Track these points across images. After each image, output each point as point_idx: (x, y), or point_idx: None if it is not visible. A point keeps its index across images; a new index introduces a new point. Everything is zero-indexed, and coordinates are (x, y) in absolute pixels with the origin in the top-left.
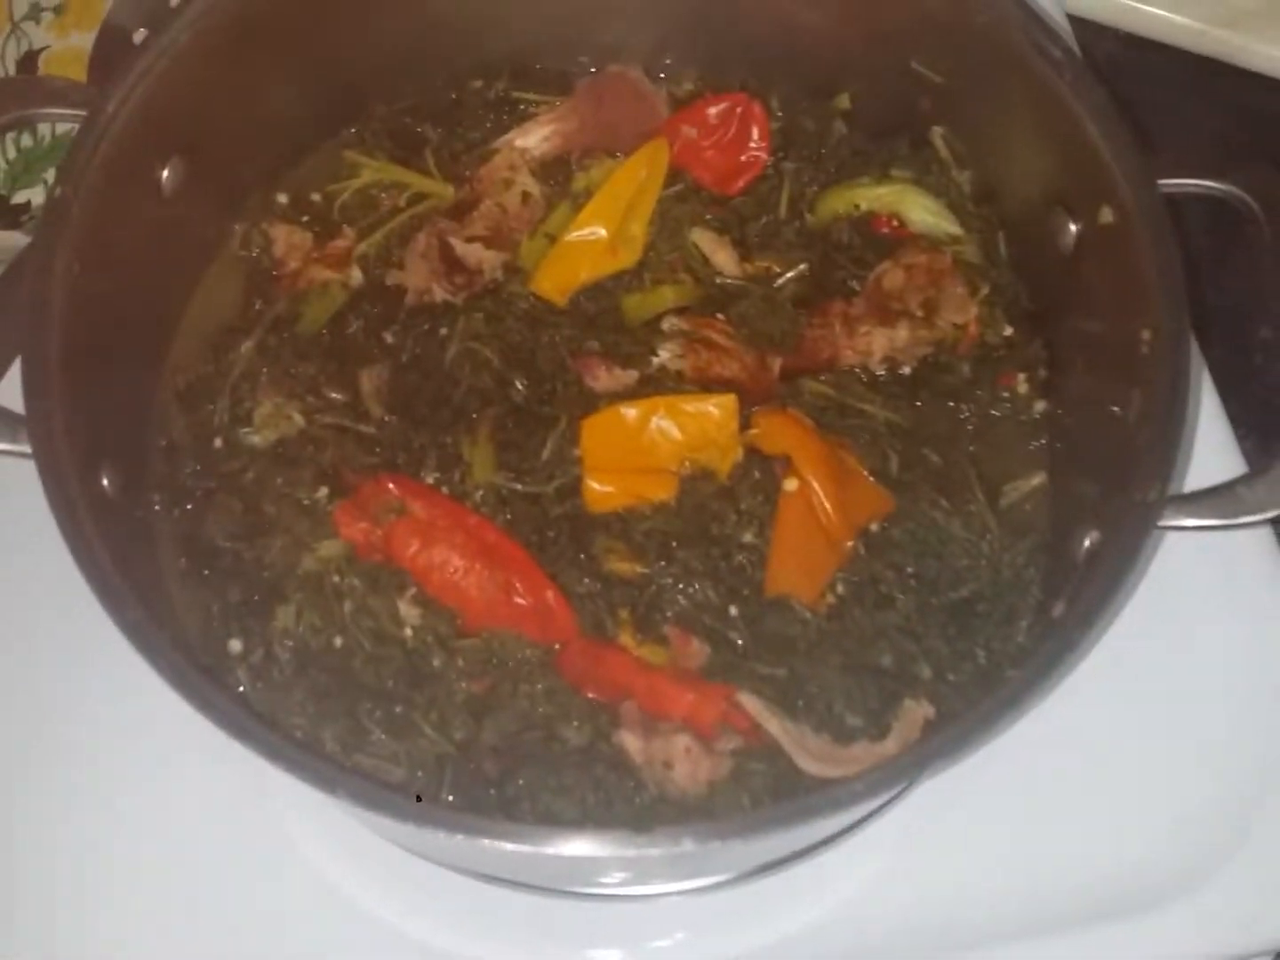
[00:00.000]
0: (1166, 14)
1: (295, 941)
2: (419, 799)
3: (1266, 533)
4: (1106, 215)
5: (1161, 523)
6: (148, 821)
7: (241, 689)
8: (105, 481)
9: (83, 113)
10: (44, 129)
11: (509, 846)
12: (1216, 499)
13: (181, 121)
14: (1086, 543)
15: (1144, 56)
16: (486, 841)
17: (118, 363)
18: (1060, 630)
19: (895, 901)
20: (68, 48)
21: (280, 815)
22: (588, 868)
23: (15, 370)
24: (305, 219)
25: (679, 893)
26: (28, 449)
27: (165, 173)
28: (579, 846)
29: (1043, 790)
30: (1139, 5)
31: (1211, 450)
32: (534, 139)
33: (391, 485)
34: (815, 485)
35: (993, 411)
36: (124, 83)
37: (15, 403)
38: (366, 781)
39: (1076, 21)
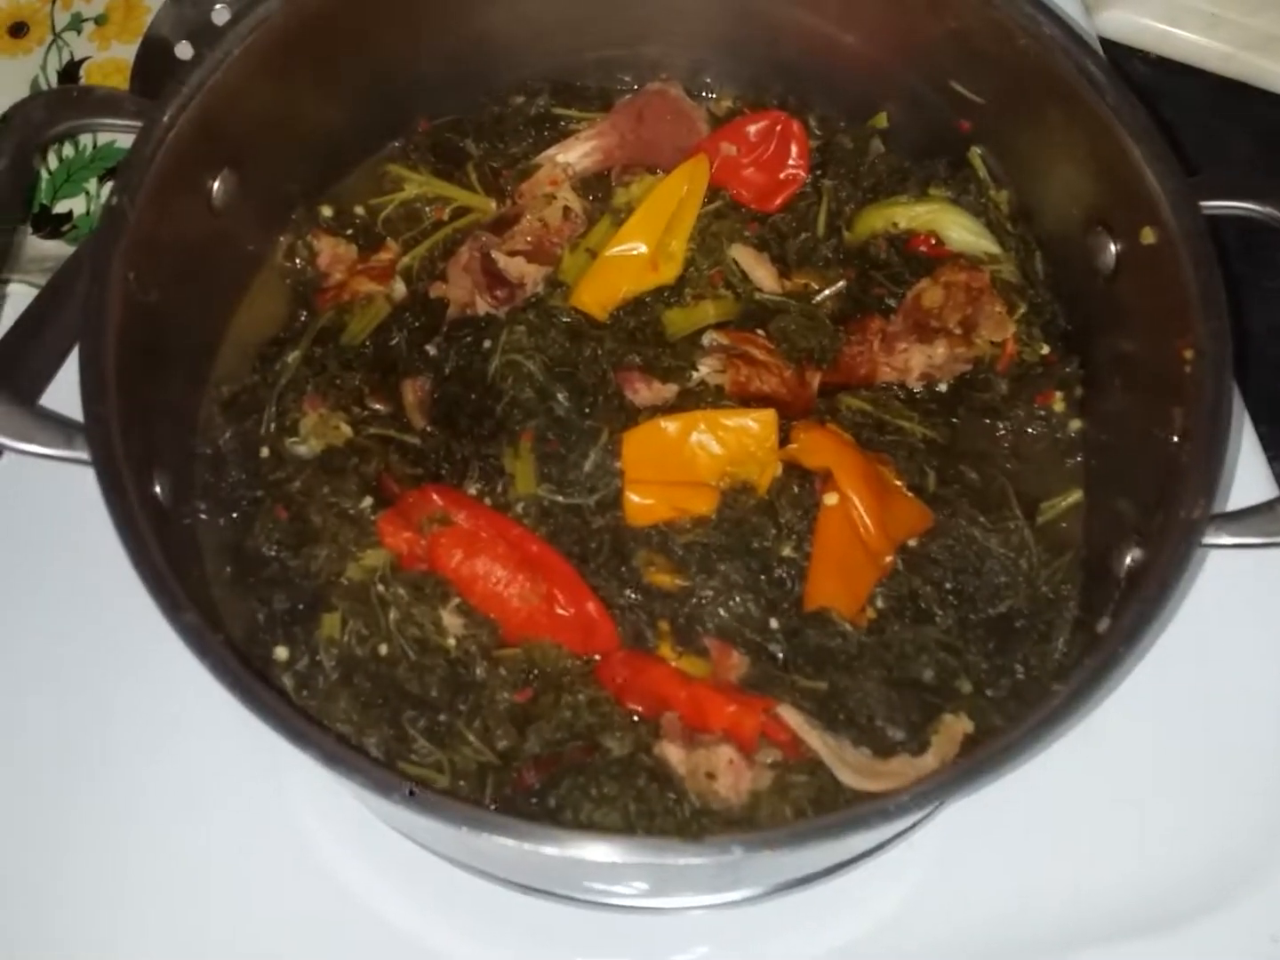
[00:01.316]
0: (1196, 38)
1: (317, 947)
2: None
3: None
4: (1149, 236)
5: (1205, 540)
6: (170, 822)
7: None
8: (157, 488)
9: (136, 124)
10: (85, 139)
11: (559, 853)
12: (1258, 518)
13: (232, 135)
14: (1128, 560)
15: (1173, 79)
16: (537, 848)
17: (165, 372)
18: (1106, 645)
19: (921, 919)
20: (109, 58)
21: (304, 821)
22: (629, 875)
23: (63, 378)
24: (349, 232)
25: (701, 907)
26: (84, 455)
27: (215, 184)
28: (629, 854)
29: (1074, 807)
30: (1170, 29)
31: (1245, 472)
32: (575, 155)
33: (435, 496)
34: (855, 499)
35: (1029, 429)
36: (179, 95)
37: (64, 409)
38: (422, 787)
39: (1107, 44)
